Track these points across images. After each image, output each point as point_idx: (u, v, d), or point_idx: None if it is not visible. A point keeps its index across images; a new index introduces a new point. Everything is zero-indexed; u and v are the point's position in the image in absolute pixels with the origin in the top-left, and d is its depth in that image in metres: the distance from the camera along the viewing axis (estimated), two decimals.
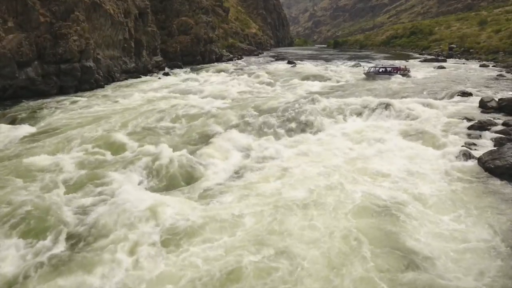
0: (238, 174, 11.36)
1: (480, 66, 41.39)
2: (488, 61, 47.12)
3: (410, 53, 74.52)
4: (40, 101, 22.42)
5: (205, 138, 14.83)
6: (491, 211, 8.68)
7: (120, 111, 19.38)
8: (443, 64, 44.45)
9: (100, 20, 29.70)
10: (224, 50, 65.32)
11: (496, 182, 10.23)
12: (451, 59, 54.75)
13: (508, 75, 31.78)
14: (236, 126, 16.32)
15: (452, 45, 65.70)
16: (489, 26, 67.91)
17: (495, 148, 11.99)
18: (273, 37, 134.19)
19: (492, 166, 10.77)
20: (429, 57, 59.79)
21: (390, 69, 32.26)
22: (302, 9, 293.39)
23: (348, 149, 13.24)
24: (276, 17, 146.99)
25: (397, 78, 30.03)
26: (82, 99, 22.89)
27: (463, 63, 46.79)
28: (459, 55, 58.26)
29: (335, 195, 9.47)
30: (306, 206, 8.91)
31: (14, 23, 23.53)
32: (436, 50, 69.23)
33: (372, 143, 13.71)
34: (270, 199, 9.25)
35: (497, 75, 31.69)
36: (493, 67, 39.84)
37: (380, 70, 31.75)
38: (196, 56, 50.97)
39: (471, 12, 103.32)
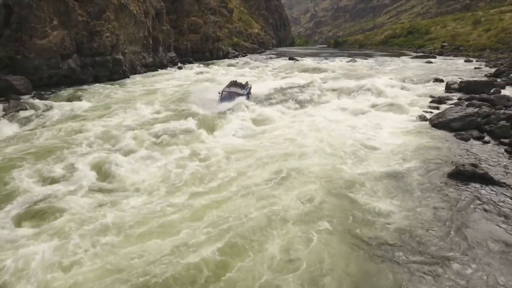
0: None
1: (465, 61, 45.32)
2: (475, 57, 51.02)
3: (406, 51, 78.40)
4: (80, 86, 26.71)
5: None
6: (429, 150, 12.80)
7: (152, 93, 23.76)
8: (432, 60, 48.50)
9: (126, 19, 34.00)
10: (230, 48, 69.59)
11: (437, 132, 14.39)
12: (442, 56, 58.75)
13: (485, 68, 35.80)
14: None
15: (444, 43, 69.70)
16: (481, 26, 71.59)
17: (441, 111, 16.17)
18: (275, 37, 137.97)
19: (436, 122, 14.97)
20: (420, 54, 63.75)
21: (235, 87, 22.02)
22: (303, 9, 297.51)
23: (340, 115, 17.56)
24: (277, 18, 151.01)
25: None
26: (117, 86, 27.23)
27: (451, 59, 50.78)
28: (449, 52, 62.24)
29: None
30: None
31: (58, 22, 27.82)
32: (430, 48, 73.13)
33: (355, 112, 18.01)
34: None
35: (475, 68, 35.72)
36: (476, 62, 43.79)
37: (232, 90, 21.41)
38: (205, 52, 55.26)
39: (469, 12, 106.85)
